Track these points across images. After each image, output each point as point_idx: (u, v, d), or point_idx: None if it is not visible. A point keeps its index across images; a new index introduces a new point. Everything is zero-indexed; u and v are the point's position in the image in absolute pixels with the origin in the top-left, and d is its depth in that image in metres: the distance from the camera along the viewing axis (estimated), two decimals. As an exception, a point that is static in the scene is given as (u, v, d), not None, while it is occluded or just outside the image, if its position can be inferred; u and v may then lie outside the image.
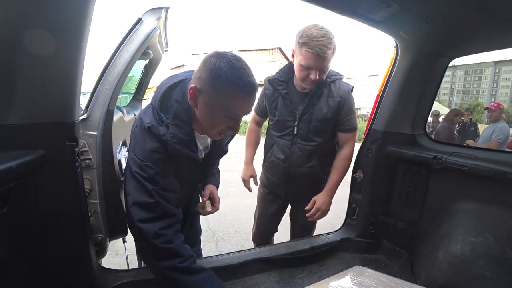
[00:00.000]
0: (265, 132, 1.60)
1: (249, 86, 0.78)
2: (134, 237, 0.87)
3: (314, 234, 1.72)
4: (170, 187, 0.87)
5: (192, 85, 0.81)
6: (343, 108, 1.35)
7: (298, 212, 1.58)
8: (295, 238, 1.67)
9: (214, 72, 0.77)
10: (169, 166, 0.87)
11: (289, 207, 1.72)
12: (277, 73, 1.42)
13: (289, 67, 1.39)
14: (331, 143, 1.46)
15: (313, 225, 1.66)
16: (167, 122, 0.85)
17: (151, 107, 0.90)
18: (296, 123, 1.36)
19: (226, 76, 0.76)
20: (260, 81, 1.52)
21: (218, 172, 1.29)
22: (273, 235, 1.79)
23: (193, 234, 1.40)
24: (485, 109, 4.08)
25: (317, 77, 1.24)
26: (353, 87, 1.40)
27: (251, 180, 1.62)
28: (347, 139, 1.41)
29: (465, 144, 4.10)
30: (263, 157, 1.62)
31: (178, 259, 0.82)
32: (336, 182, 1.42)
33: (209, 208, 1.18)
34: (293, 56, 1.31)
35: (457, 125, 5.06)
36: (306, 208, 1.42)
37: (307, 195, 1.46)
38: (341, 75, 1.39)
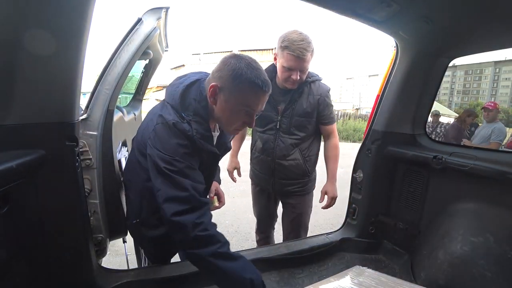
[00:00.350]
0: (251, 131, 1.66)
1: (266, 84, 0.87)
2: (170, 231, 0.87)
3: (314, 234, 1.72)
4: (198, 179, 0.89)
5: (213, 84, 0.88)
6: (322, 105, 1.50)
7: (288, 208, 1.67)
8: (287, 235, 1.72)
9: (235, 72, 0.85)
10: (194, 160, 0.90)
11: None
12: None
13: (273, 67, 1.50)
14: (310, 138, 1.56)
15: (301, 220, 1.68)
16: (188, 119, 0.89)
17: (169, 106, 0.92)
18: (278, 118, 1.49)
19: (246, 75, 0.84)
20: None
21: (219, 169, 1.31)
22: (273, 228, 1.86)
23: None
24: (481, 108, 4.09)
25: (298, 78, 1.37)
26: (330, 88, 1.56)
27: (235, 172, 1.78)
28: (330, 130, 1.57)
29: (462, 144, 4.10)
30: (250, 156, 1.70)
31: (217, 244, 0.84)
32: (334, 169, 1.59)
33: (216, 203, 1.25)
34: (275, 58, 1.45)
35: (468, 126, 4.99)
36: (320, 201, 1.62)
37: (293, 191, 1.59)
38: (320, 77, 1.53)
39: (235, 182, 1.80)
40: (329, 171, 1.61)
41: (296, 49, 1.30)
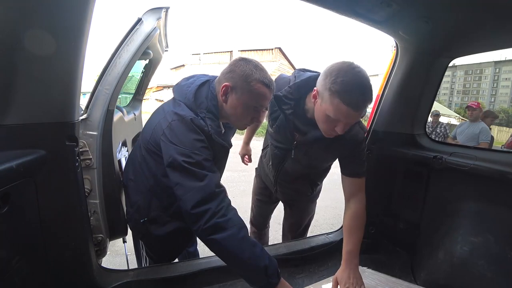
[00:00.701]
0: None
1: (271, 83, 0.97)
2: (190, 222, 0.88)
3: (314, 234, 1.72)
4: (214, 169, 0.93)
5: (225, 83, 0.96)
6: (354, 153, 1.12)
7: (287, 210, 1.64)
8: (285, 237, 1.69)
9: (246, 73, 0.94)
10: (210, 154, 0.95)
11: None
12: (288, 87, 1.09)
13: (306, 83, 1.08)
14: (324, 167, 1.40)
15: (302, 223, 1.63)
16: (202, 116, 0.96)
17: (182, 104, 0.98)
18: (294, 143, 1.17)
19: (256, 75, 0.94)
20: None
21: None
22: (267, 222, 1.82)
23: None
24: (466, 107, 4.17)
25: (343, 131, 0.99)
26: (366, 134, 1.25)
27: (246, 157, 1.81)
28: (357, 186, 1.14)
29: (447, 141, 4.15)
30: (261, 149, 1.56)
31: (233, 228, 0.86)
32: (354, 249, 1.08)
33: None
34: (315, 97, 0.99)
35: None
36: None
37: (296, 200, 1.53)
38: (360, 122, 1.15)
39: (247, 165, 1.85)
40: (346, 249, 1.09)
41: (354, 104, 0.90)
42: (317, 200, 1.68)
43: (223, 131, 1.09)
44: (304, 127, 1.12)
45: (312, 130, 1.10)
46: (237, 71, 0.95)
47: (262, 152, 1.56)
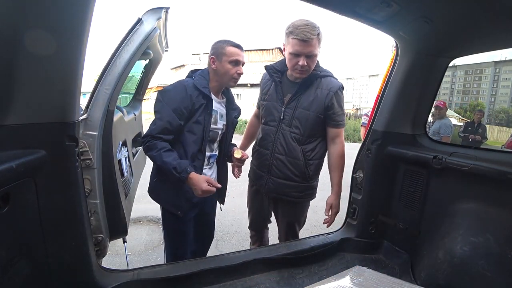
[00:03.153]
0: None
1: (237, 43, 1.32)
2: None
3: (314, 234, 1.72)
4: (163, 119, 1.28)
5: (211, 57, 1.32)
6: (331, 101, 1.41)
7: (279, 211, 1.61)
8: (281, 238, 1.68)
9: (219, 45, 1.31)
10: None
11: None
12: (275, 63, 1.56)
13: (285, 60, 1.48)
14: (315, 140, 1.48)
15: (294, 229, 1.62)
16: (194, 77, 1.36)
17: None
18: (283, 108, 1.46)
19: (226, 43, 1.31)
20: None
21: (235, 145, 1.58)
22: (266, 228, 1.81)
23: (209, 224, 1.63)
24: (434, 107, 4.44)
25: (305, 63, 1.33)
26: (343, 86, 1.46)
27: (236, 170, 1.81)
28: (335, 133, 1.48)
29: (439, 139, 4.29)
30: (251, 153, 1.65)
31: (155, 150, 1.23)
32: (339, 181, 1.50)
33: (239, 155, 1.44)
34: (284, 49, 1.42)
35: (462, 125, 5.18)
36: (325, 213, 1.52)
37: (289, 194, 1.50)
38: (332, 74, 1.47)
39: (236, 178, 1.78)
40: (333, 182, 1.51)
41: (300, 33, 1.28)
42: (317, 200, 1.68)
43: (223, 100, 1.43)
44: (289, 88, 1.48)
45: (296, 87, 1.45)
46: (215, 47, 1.32)
47: (252, 147, 1.65)
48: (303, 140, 1.45)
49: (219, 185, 1.29)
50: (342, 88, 1.45)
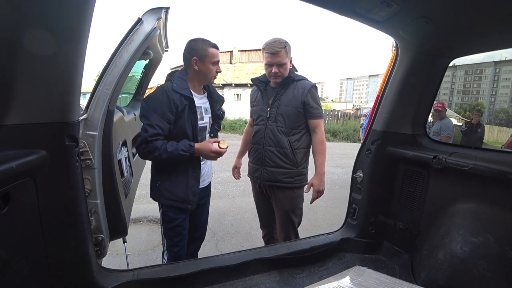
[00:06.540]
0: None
1: (213, 42, 1.42)
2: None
3: (314, 234, 1.73)
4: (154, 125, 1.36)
5: (193, 58, 1.39)
6: (307, 97, 1.69)
7: (277, 203, 1.75)
8: (279, 233, 1.79)
9: (198, 46, 1.40)
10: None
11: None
12: (260, 76, 1.89)
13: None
14: (299, 132, 1.73)
15: (290, 217, 1.73)
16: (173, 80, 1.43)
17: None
18: (268, 109, 1.74)
19: (206, 45, 1.40)
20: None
21: (218, 130, 1.73)
22: (275, 221, 1.86)
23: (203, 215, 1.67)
24: (434, 109, 4.52)
25: (277, 70, 1.66)
26: (316, 86, 1.76)
27: (235, 171, 2.05)
28: (315, 124, 1.73)
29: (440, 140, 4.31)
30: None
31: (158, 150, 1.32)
32: (321, 163, 1.73)
33: (224, 145, 1.50)
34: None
35: (463, 126, 5.19)
36: (305, 191, 1.75)
37: (282, 181, 1.68)
38: (306, 78, 1.77)
39: (237, 179, 2.02)
40: (315, 165, 1.73)
41: (269, 48, 1.63)
42: (317, 200, 1.68)
43: (204, 95, 1.54)
44: (272, 93, 1.76)
45: (277, 91, 1.74)
46: (195, 48, 1.40)
47: (249, 154, 1.86)
48: (288, 132, 1.70)
49: (227, 144, 1.46)
50: (315, 86, 1.75)
